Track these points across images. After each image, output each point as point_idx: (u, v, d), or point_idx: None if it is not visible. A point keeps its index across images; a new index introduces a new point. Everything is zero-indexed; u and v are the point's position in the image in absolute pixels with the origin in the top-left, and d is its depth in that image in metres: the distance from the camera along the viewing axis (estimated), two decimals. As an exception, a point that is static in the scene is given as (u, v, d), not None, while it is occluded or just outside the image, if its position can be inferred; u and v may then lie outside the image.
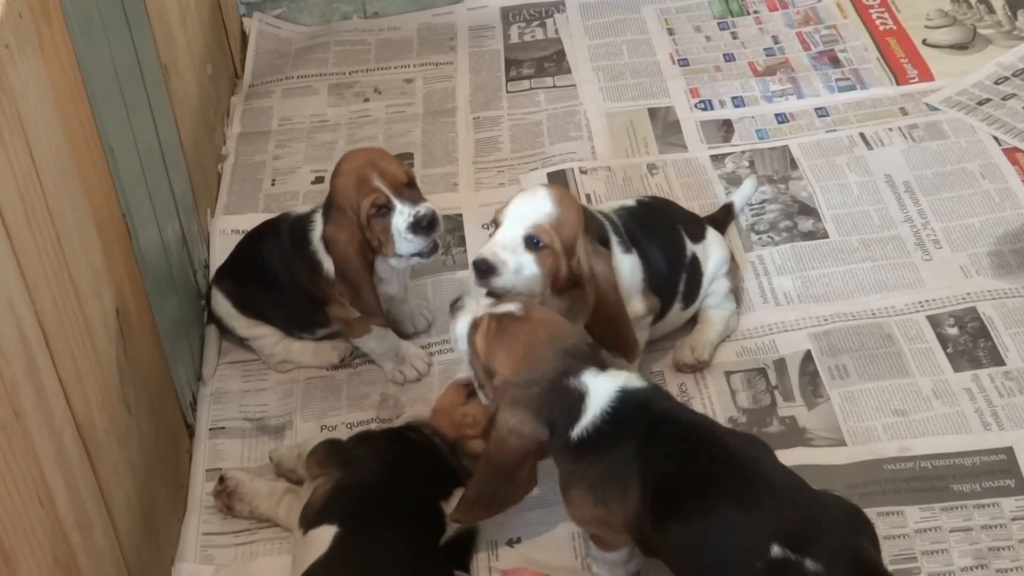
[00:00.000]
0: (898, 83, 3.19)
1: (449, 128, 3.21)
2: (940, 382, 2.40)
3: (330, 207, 2.33)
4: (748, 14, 3.52)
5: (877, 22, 3.42)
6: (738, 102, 3.18)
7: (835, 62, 3.29)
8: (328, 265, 2.35)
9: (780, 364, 2.48)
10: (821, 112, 3.12)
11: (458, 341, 2.04)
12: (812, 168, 2.93)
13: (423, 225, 2.27)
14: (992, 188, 2.83)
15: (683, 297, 2.44)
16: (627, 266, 2.29)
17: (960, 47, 3.30)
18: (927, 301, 2.57)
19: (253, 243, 2.55)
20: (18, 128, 1.68)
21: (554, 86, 3.33)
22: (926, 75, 3.20)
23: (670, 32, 3.47)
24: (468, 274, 2.49)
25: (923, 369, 2.43)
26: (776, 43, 3.40)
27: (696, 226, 2.51)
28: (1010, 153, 2.91)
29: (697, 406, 2.39)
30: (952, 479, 2.22)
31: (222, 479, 2.29)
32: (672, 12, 3.55)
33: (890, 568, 1.81)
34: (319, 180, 3.05)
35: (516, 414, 1.90)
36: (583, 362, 1.92)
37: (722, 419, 2.37)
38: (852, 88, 3.19)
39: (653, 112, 3.19)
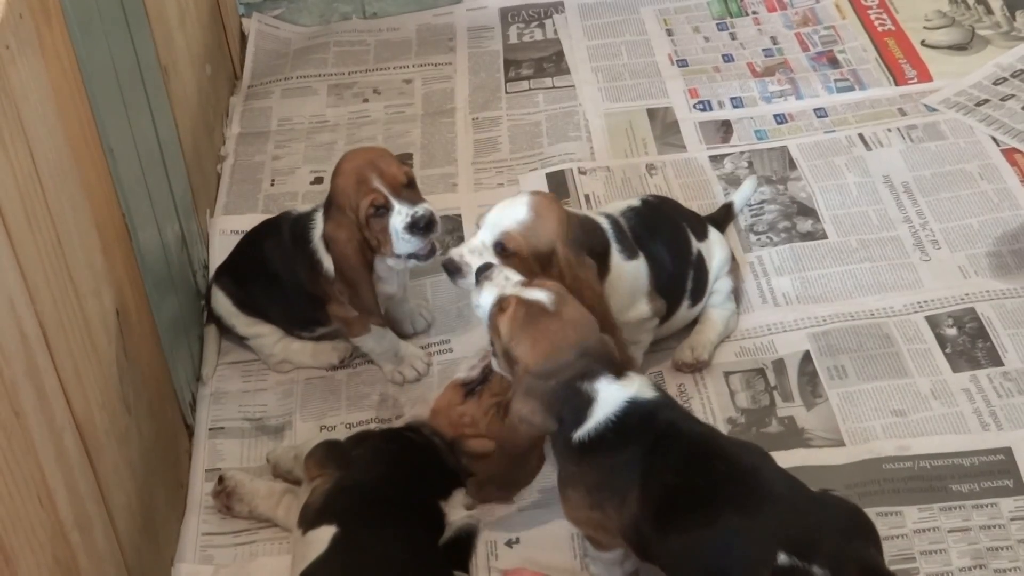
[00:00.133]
0: (897, 84, 3.19)
1: (448, 129, 3.22)
2: (939, 382, 2.41)
3: (330, 206, 2.33)
4: (747, 15, 3.53)
5: (876, 23, 3.42)
6: (737, 103, 3.19)
7: (834, 63, 3.29)
8: (328, 264, 2.36)
9: (779, 364, 2.48)
10: (820, 113, 3.13)
11: (479, 309, 2.04)
12: (811, 169, 2.93)
13: (420, 226, 2.27)
14: (990, 189, 2.83)
15: (691, 295, 2.45)
16: (630, 272, 2.29)
17: (959, 48, 3.31)
18: (926, 302, 2.57)
19: (254, 241, 2.55)
20: (18, 129, 1.68)
21: (553, 87, 3.33)
22: (925, 76, 3.21)
23: (669, 33, 3.47)
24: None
25: (922, 369, 2.44)
26: (775, 44, 3.40)
27: (699, 224, 2.52)
28: (1008, 154, 2.91)
29: (696, 406, 2.40)
30: (951, 479, 2.23)
31: (221, 479, 2.29)
32: (671, 13, 3.55)
33: (889, 568, 1.81)
34: (318, 180, 3.05)
35: (528, 404, 1.90)
36: (600, 366, 1.92)
37: (721, 419, 2.38)
38: (851, 89, 3.19)
39: (652, 113, 3.19)
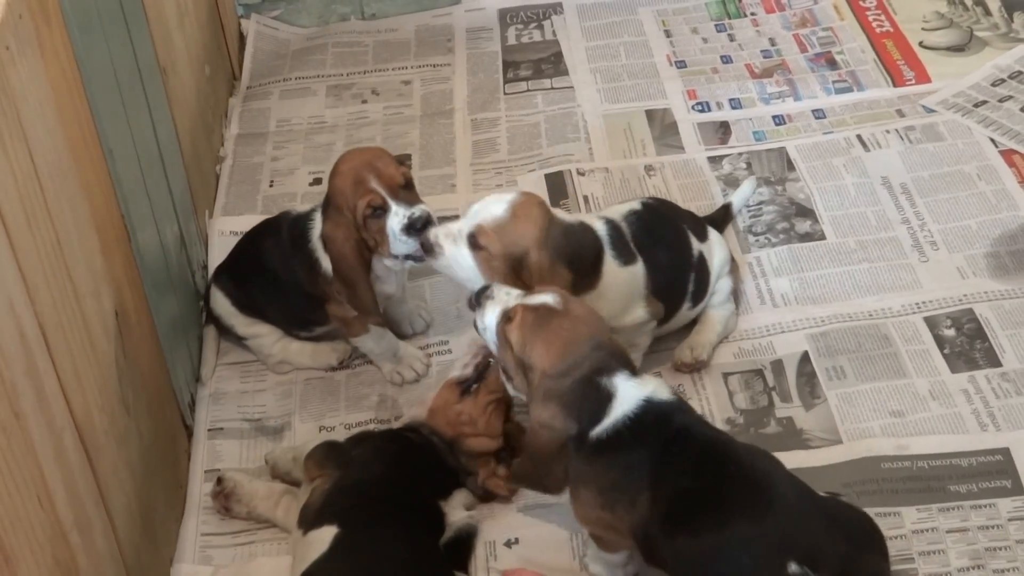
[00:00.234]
0: (895, 85, 3.20)
1: (447, 129, 3.22)
2: (937, 383, 2.41)
3: (328, 206, 2.34)
4: (745, 16, 3.53)
5: (874, 24, 3.43)
6: (735, 104, 3.19)
7: (832, 64, 3.30)
8: (326, 264, 2.36)
9: (777, 365, 2.48)
10: (818, 114, 3.13)
11: (486, 331, 2.03)
12: (809, 170, 2.94)
13: (417, 227, 2.27)
14: (989, 190, 2.83)
15: (692, 297, 2.45)
16: (625, 277, 2.29)
17: (957, 49, 3.31)
18: (924, 302, 2.58)
19: (252, 241, 2.55)
20: (18, 129, 1.68)
21: (552, 88, 3.33)
22: (923, 77, 3.21)
23: (667, 34, 3.48)
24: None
25: (920, 370, 2.44)
26: (773, 45, 3.40)
27: (699, 226, 2.52)
28: (1007, 155, 2.92)
29: (695, 407, 2.37)
30: (949, 480, 2.23)
31: (220, 480, 2.29)
32: (669, 14, 3.55)
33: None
34: (317, 181, 3.05)
35: (548, 408, 1.90)
36: (617, 363, 1.92)
37: (720, 420, 2.38)
38: (849, 90, 3.20)
39: (650, 114, 3.20)
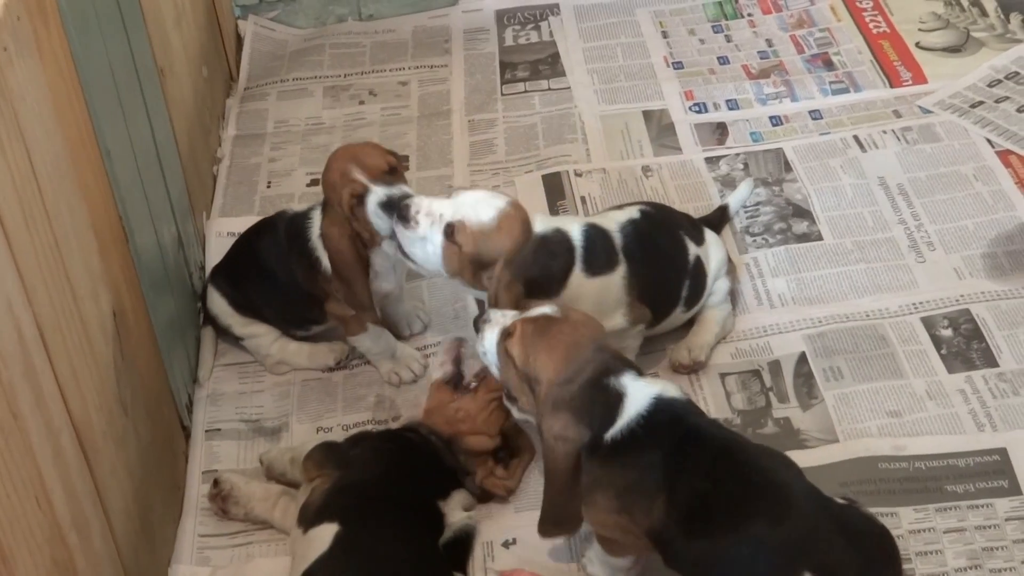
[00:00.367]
0: (891, 86, 3.20)
1: (444, 131, 3.22)
2: (934, 383, 2.41)
3: (325, 204, 2.36)
4: (742, 17, 3.53)
5: (870, 25, 3.43)
6: (732, 105, 3.19)
7: (829, 65, 3.30)
8: (326, 261, 2.37)
9: (775, 366, 2.49)
10: (815, 115, 3.13)
11: (487, 355, 2.02)
12: (806, 170, 2.94)
13: (393, 203, 2.27)
14: (985, 190, 2.84)
15: (686, 301, 2.45)
16: (592, 288, 2.28)
17: (953, 50, 3.32)
18: (921, 303, 2.58)
19: (250, 241, 2.56)
20: (16, 130, 1.68)
21: (549, 89, 3.33)
22: (919, 78, 3.21)
23: (664, 35, 3.48)
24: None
25: (917, 370, 2.44)
26: (770, 46, 3.41)
27: (695, 229, 2.52)
28: (1003, 155, 2.92)
29: (692, 407, 2.40)
30: (946, 480, 2.23)
31: (216, 482, 2.29)
32: (666, 15, 3.56)
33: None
34: (314, 182, 3.05)
35: (559, 418, 1.87)
36: (622, 364, 1.92)
37: (709, 417, 2.37)
38: (846, 91, 3.20)
39: (647, 114, 3.20)
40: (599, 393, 1.88)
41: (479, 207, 2.20)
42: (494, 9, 3.66)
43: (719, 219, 2.75)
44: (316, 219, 2.39)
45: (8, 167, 1.64)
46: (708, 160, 3.02)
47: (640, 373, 1.93)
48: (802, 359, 2.49)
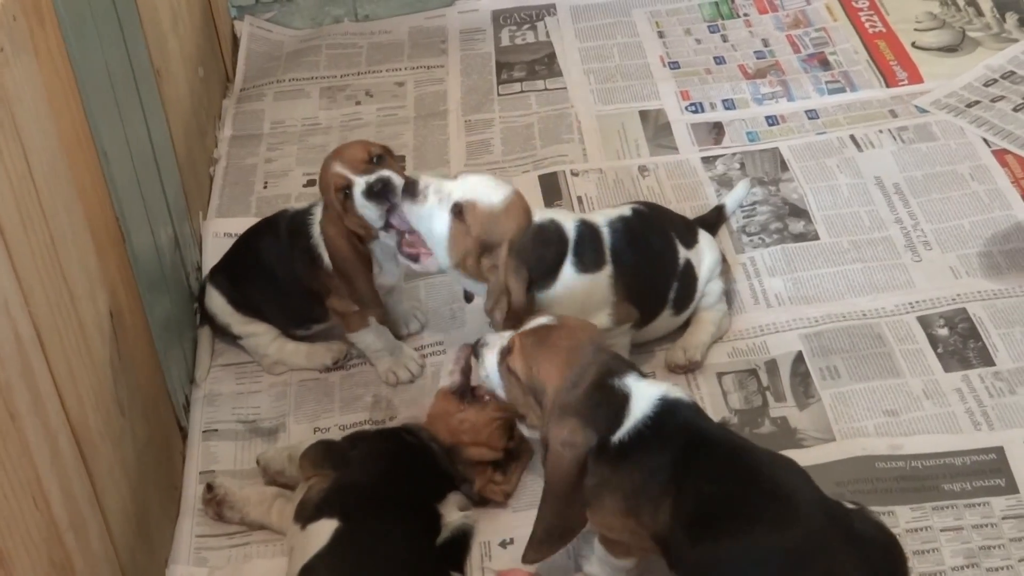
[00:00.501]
0: (888, 85, 3.20)
1: (441, 131, 3.22)
2: (930, 382, 2.42)
3: (324, 205, 2.38)
4: (738, 17, 3.54)
5: (866, 25, 3.43)
6: (728, 104, 3.20)
7: (825, 64, 3.30)
8: (328, 258, 2.37)
9: (771, 365, 2.49)
10: (811, 114, 3.14)
11: (489, 378, 2.00)
12: (802, 170, 2.94)
13: (375, 190, 2.27)
14: (981, 189, 2.84)
15: (674, 304, 2.45)
16: (581, 284, 2.28)
17: (949, 49, 3.32)
18: (917, 302, 2.58)
19: (251, 240, 2.56)
20: (12, 131, 1.68)
21: (545, 89, 3.34)
22: (915, 77, 3.22)
23: (660, 35, 3.48)
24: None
25: (914, 369, 2.44)
26: (766, 46, 3.41)
27: (688, 232, 2.51)
28: (999, 155, 2.93)
29: (689, 407, 2.40)
30: (943, 479, 2.23)
31: (210, 487, 2.28)
32: (662, 15, 3.56)
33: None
34: (311, 183, 3.05)
35: (566, 424, 1.86)
36: (624, 365, 1.92)
37: (714, 420, 2.38)
38: (842, 90, 3.20)
39: (644, 114, 3.20)
40: (604, 395, 1.87)
41: (487, 190, 2.22)
42: (490, 9, 3.66)
43: (715, 219, 2.75)
44: (318, 215, 2.41)
45: (5, 168, 1.64)
46: (704, 160, 3.02)
47: (642, 374, 1.93)
48: (799, 358, 2.49)
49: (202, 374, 2.58)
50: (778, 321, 2.57)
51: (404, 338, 2.61)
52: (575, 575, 2.14)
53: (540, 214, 2.28)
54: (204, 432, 2.48)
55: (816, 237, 2.76)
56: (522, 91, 3.34)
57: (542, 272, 2.24)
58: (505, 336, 2.00)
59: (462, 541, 2.13)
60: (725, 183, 2.92)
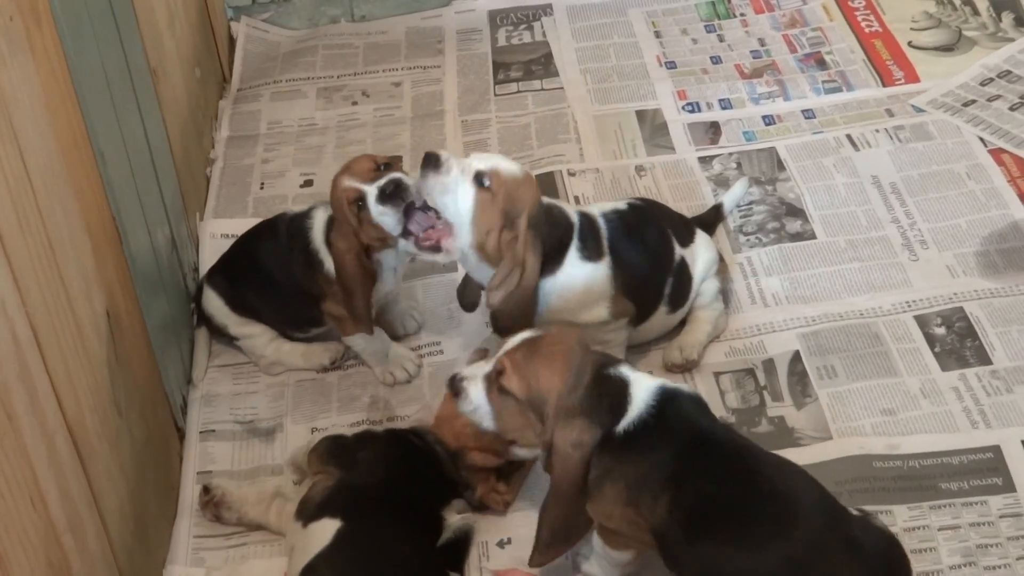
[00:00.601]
0: (884, 85, 3.21)
1: (437, 131, 3.22)
2: (928, 381, 2.42)
3: (335, 218, 2.36)
4: (734, 17, 3.54)
5: (863, 24, 3.44)
6: (725, 104, 3.20)
7: (821, 64, 3.31)
8: (329, 264, 2.38)
9: (769, 364, 2.49)
10: (808, 114, 3.14)
11: (478, 410, 1.98)
12: (799, 169, 2.94)
13: (388, 192, 2.26)
14: (978, 188, 2.84)
15: (669, 300, 2.45)
16: (586, 274, 2.29)
17: (945, 49, 3.32)
18: (914, 301, 2.58)
19: (249, 243, 2.56)
20: (9, 132, 1.68)
21: (542, 89, 3.34)
22: (912, 77, 3.22)
23: (657, 35, 3.48)
24: (460, 277, 2.50)
25: (911, 369, 2.45)
26: (762, 45, 3.41)
27: (684, 230, 2.51)
28: (995, 154, 2.93)
29: (686, 406, 2.40)
30: (940, 478, 2.24)
31: (207, 489, 2.28)
32: (659, 15, 3.56)
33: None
34: (308, 183, 3.06)
35: (574, 425, 1.86)
36: (616, 359, 1.93)
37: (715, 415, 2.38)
38: (838, 90, 3.21)
39: (641, 114, 3.20)
40: (604, 386, 1.88)
41: (504, 161, 2.24)
42: (487, 10, 3.66)
43: (713, 218, 2.75)
44: (317, 219, 2.41)
45: (1, 169, 1.64)
46: (701, 159, 3.02)
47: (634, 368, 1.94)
48: (796, 358, 2.49)
49: (199, 374, 2.58)
50: (775, 320, 2.58)
51: (401, 338, 2.60)
52: (574, 575, 2.14)
53: (544, 199, 2.30)
54: (201, 433, 2.48)
55: (813, 236, 2.76)
56: (519, 91, 3.34)
57: (550, 253, 2.25)
58: (482, 364, 1.99)
59: (463, 541, 2.13)
60: (722, 183, 2.92)
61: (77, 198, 1.96)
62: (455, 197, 2.19)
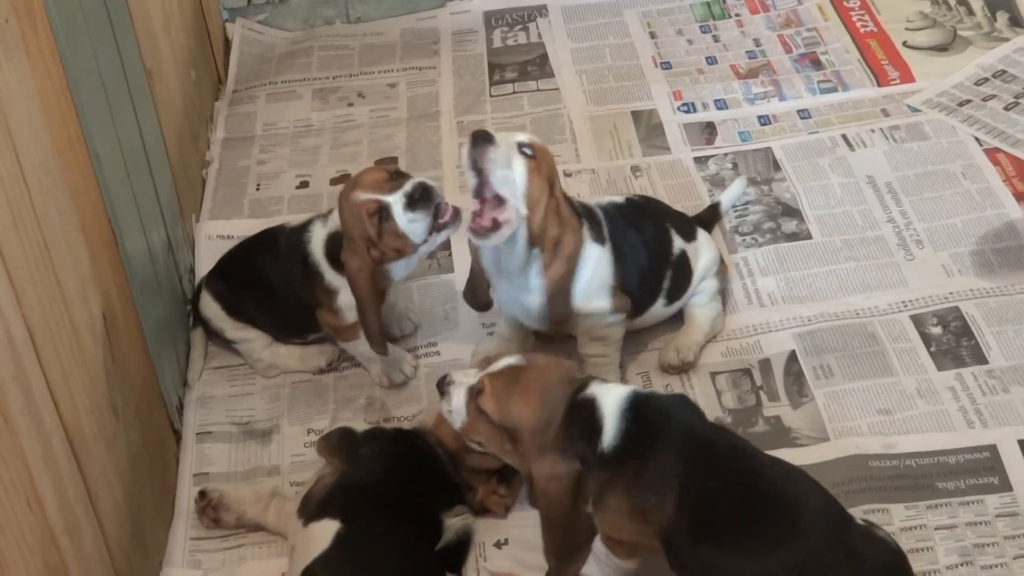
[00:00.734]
0: (879, 85, 3.21)
1: (433, 132, 3.22)
2: (924, 381, 2.42)
3: (346, 235, 2.34)
4: (730, 17, 3.54)
5: (858, 24, 3.44)
6: (721, 104, 3.20)
7: (816, 64, 3.31)
8: (330, 277, 2.38)
9: (765, 364, 2.49)
10: (803, 114, 3.14)
11: (454, 413, 2.00)
12: (795, 170, 2.95)
13: (416, 197, 2.25)
14: (973, 188, 2.84)
15: (667, 294, 2.45)
16: (594, 257, 2.30)
17: (940, 49, 3.33)
18: (910, 301, 2.59)
19: (248, 254, 2.55)
20: (5, 133, 1.68)
21: (537, 90, 3.34)
22: (907, 77, 3.22)
23: (652, 35, 3.48)
24: (457, 277, 2.50)
25: (907, 368, 2.45)
26: (758, 46, 3.41)
27: (687, 226, 2.52)
28: (991, 153, 2.93)
29: (683, 407, 2.40)
30: (937, 477, 2.24)
31: (203, 494, 2.27)
32: (654, 15, 3.56)
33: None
34: (304, 185, 3.05)
35: (548, 460, 1.87)
36: (586, 379, 1.94)
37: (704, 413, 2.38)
38: (834, 90, 3.21)
39: (636, 115, 3.20)
40: (575, 415, 1.89)
41: (521, 134, 2.25)
42: (482, 11, 3.66)
43: (711, 217, 2.76)
44: (315, 232, 2.40)
45: (-3, 170, 1.64)
46: (697, 160, 3.02)
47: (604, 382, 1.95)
48: (792, 357, 2.49)
49: (195, 375, 2.58)
50: (771, 320, 2.58)
51: (397, 340, 2.60)
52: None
53: None
54: (198, 434, 2.48)
55: (809, 236, 2.76)
56: (514, 92, 3.34)
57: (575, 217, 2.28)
58: (470, 375, 2.00)
59: (463, 542, 2.13)
60: (718, 183, 2.93)
61: (73, 200, 1.96)
62: (509, 166, 2.17)
